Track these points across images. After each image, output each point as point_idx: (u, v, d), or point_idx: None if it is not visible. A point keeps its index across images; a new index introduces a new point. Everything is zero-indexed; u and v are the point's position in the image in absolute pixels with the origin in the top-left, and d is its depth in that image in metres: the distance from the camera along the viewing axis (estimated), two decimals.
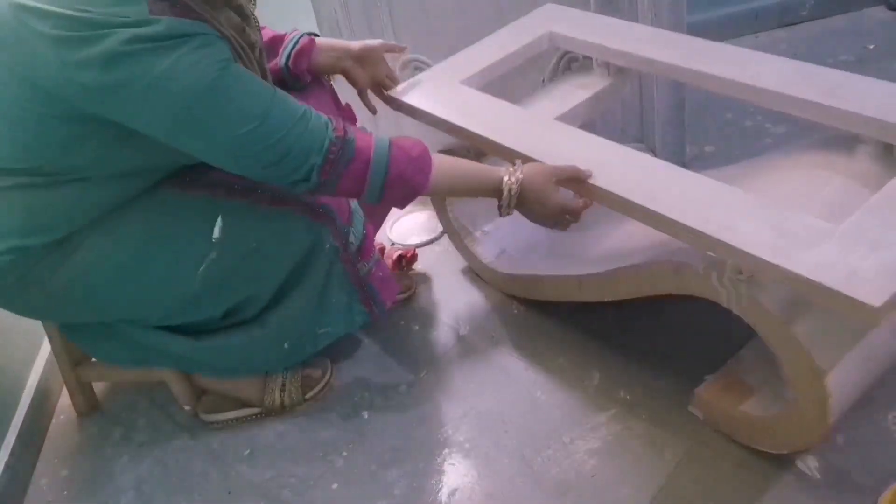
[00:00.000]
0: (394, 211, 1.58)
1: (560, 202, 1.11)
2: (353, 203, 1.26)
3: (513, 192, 1.10)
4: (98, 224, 1.08)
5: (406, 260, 1.62)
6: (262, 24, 1.28)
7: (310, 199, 1.16)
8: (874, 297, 0.77)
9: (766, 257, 0.86)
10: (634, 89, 1.70)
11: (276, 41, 1.28)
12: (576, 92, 1.41)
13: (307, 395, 1.36)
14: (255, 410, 1.35)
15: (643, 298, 1.16)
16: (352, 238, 1.23)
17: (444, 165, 1.12)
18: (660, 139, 1.73)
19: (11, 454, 1.30)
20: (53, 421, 1.45)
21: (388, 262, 1.61)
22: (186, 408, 1.37)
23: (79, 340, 1.30)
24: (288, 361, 1.32)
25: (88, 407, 1.43)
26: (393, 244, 1.74)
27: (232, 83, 0.94)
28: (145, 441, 1.36)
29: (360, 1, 1.67)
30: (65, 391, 1.45)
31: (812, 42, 2.22)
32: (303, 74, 1.29)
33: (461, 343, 1.43)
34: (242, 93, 0.95)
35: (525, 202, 1.11)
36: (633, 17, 1.57)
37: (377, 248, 1.54)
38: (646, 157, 1.11)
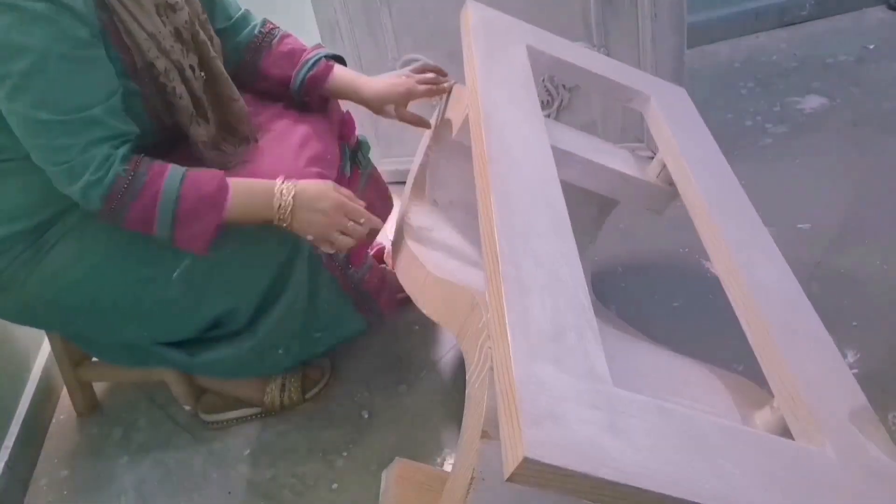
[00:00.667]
0: (393, 211, 1.58)
1: (338, 199, 1.05)
2: None
3: (284, 195, 1.03)
4: (71, 225, 1.07)
5: None
6: (277, 27, 1.27)
7: None
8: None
9: None
10: None
11: (296, 55, 1.25)
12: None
13: (307, 395, 1.36)
14: (255, 410, 1.35)
15: None
16: None
17: (238, 189, 1.04)
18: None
19: (11, 454, 1.30)
20: (53, 421, 1.45)
21: (388, 261, 1.61)
22: (186, 408, 1.37)
23: (79, 340, 1.30)
24: (285, 365, 1.32)
25: (88, 407, 1.43)
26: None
27: (52, 70, 0.92)
28: (145, 441, 1.36)
29: (360, 1, 1.67)
30: (65, 391, 1.45)
31: (812, 42, 2.22)
32: (312, 100, 1.26)
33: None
34: (58, 85, 0.93)
35: (301, 208, 1.04)
36: (633, 17, 1.57)
37: (376, 248, 1.55)
38: None
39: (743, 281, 0.84)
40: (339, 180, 1.27)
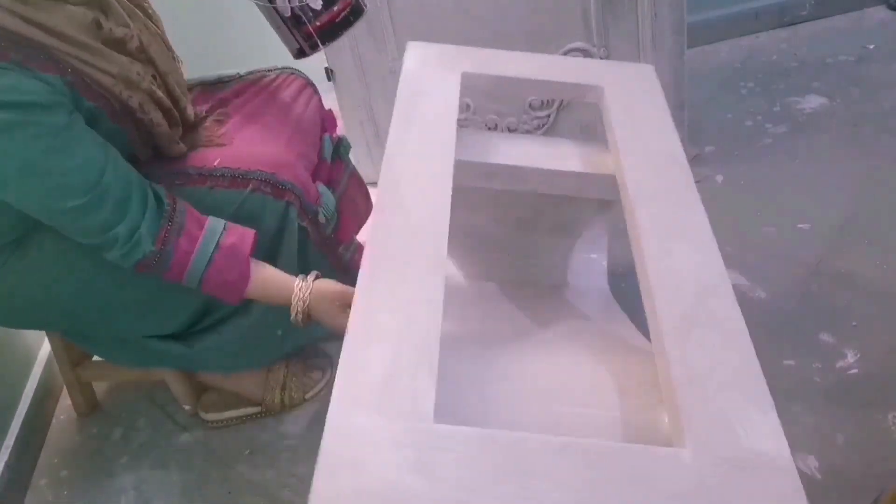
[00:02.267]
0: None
1: (342, 325, 1.01)
2: (322, 187, 1.25)
3: (299, 310, 1.06)
4: (13, 246, 1.07)
5: None
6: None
7: (269, 176, 1.13)
8: None
9: None
10: None
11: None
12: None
13: (307, 395, 1.36)
14: (255, 410, 1.35)
15: None
16: (321, 217, 1.22)
17: (257, 280, 1.07)
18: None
19: (11, 454, 1.30)
20: (53, 421, 1.45)
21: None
22: (186, 407, 1.37)
23: (79, 340, 1.30)
24: (287, 348, 1.32)
25: (88, 407, 1.43)
26: None
27: (44, 164, 0.91)
28: (145, 441, 1.36)
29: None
30: (65, 391, 1.45)
31: (812, 42, 2.22)
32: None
33: None
34: (56, 174, 0.93)
35: (314, 317, 1.07)
36: (633, 17, 1.57)
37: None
38: None
39: (653, 266, 0.83)
40: (321, 166, 1.31)
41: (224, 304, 1.13)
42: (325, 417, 0.65)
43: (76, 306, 1.13)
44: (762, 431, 0.67)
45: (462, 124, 1.29)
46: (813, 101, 1.97)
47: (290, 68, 1.35)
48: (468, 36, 1.60)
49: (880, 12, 2.31)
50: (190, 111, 1.18)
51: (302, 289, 1.06)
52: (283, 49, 1.18)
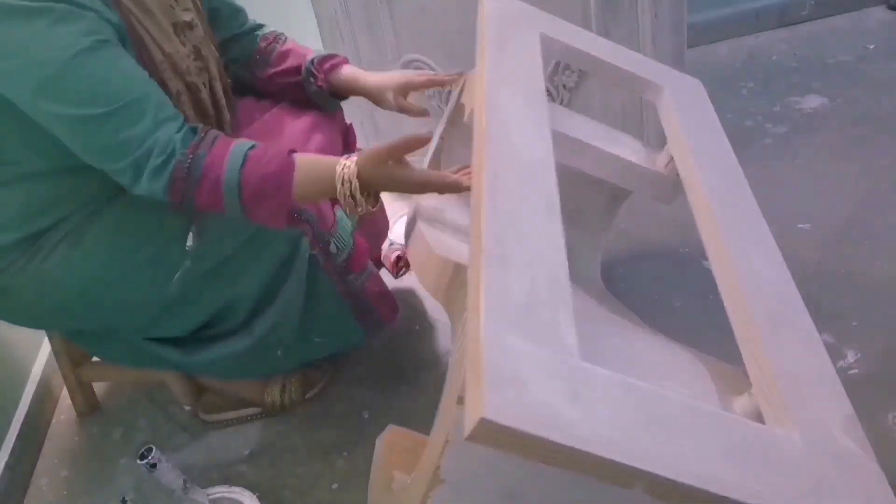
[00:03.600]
0: (392, 210, 1.58)
1: (411, 178, 0.98)
2: (339, 212, 1.22)
3: (346, 186, 0.96)
4: (68, 230, 1.06)
5: (404, 260, 1.62)
6: (277, 35, 1.27)
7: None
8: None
9: None
10: None
11: (306, 50, 1.27)
12: None
13: (307, 395, 1.36)
14: (255, 410, 1.35)
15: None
16: (333, 247, 1.19)
17: (303, 171, 0.97)
18: (660, 138, 1.72)
19: (11, 454, 1.30)
20: (53, 421, 1.45)
21: (387, 262, 1.61)
22: (186, 407, 1.38)
23: (79, 340, 1.30)
24: (284, 367, 1.32)
25: (88, 407, 1.43)
26: (392, 244, 1.73)
27: (89, 64, 0.90)
28: (145, 441, 1.36)
29: (361, 0, 1.67)
30: (65, 391, 1.45)
31: (812, 42, 2.22)
32: (320, 83, 1.24)
33: None
34: (97, 77, 0.91)
35: (375, 187, 0.99)
36: (634, 17, 1.57)
37: (395, 254, 1.55)
38: None
39: (733, 271, 0.85)
40: None
41: (271, 234, 1.06)
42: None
43: (107, 300, 1.12)
44: (848, 428, 0.71)
45: None
46: (813, 101, 1.97)
47: None
48: (468, 36, 1.60)
49: (880, 12, 2.31)
50: (227, 129, 1.16)
51: (346, 167, 0.96)
52: None
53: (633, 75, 1.21)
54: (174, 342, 1.23)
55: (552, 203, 0.82)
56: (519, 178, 0.83)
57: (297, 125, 1.22)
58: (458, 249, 1.07)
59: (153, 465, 1.02)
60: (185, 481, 1.07)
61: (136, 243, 1.07)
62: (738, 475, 0.61)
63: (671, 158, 1.17)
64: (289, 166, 0.96)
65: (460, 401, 0.72)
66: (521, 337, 0.64)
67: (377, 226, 1.41)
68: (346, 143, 1.34)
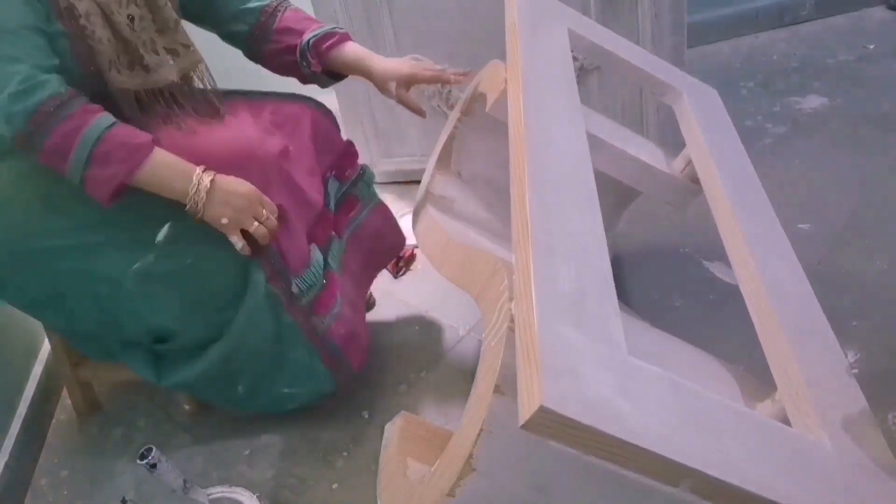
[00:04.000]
0: (393, 210, 1.58)
1: (256, 190, 1.05)
2: (316, 254, 1.20)
3: (203, 178, 1.02)
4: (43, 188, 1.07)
5: (404, 260, 1.62)
6: (277, 4, 1.24)
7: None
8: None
9: None
10: (635, 89, 1.70)
11: (311, 21, 1.25)
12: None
13: None
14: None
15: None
16: (296, 287, 1.16)
17: (159, 162, 1.02)
18: (660, 138, 1.73)
19: (11, 454, 1.30)
20: (53, 421, 1.45)
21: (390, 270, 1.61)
22: (186, 407, 1.37)
23: (76, 340, 1.29)
24: (248, 408, 1.28)
25: (88, 407, 1.43)
26: None
27: None
28: (145, 441, 1.36)
29: (361, 1, 1.67)
30: (65, 391, 1.45)
31: (812, 42, 2.23)
32: (316, 67, 1.24)
33: (461, 343, 1.43)
34: None
35: (218, 190, 1.03)
36: (634, 17, 1.57)
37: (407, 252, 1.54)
38: None
39: (757, 276, 0.86)
40: (322, 215, 1.25)
41: (223, 252, 1.08)
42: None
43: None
44: (872, 435, 0.72)
45: None
46: (813, 101, 1.97)
47: (300, 95, 1.30)
48: (468, 36, 1.60)
49: (880, 12, 2.31)
50: (161, 68, 1.12)
51: (204, 173, 1.03)
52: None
53: (654, 78, 1.21)
54: (146, 360, 1.21)
55: (591, 198, 0.83)
56: (559, 171, 0.84)
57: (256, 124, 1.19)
58: (476, 239, 1.08)
59: (153, 465, 1.01)
60: (185, 481, 1.07)
61: (117, 217, 1.07)
62: (777, 478, 0.61)
63: (688, 163, 1.16)
64: (149, 147, 1.01)
65: (497, 390, 0.72)
66: (570, 327, 0.64)
67: (382, 240, 1.39)
68: (341, 165, 1.33)
